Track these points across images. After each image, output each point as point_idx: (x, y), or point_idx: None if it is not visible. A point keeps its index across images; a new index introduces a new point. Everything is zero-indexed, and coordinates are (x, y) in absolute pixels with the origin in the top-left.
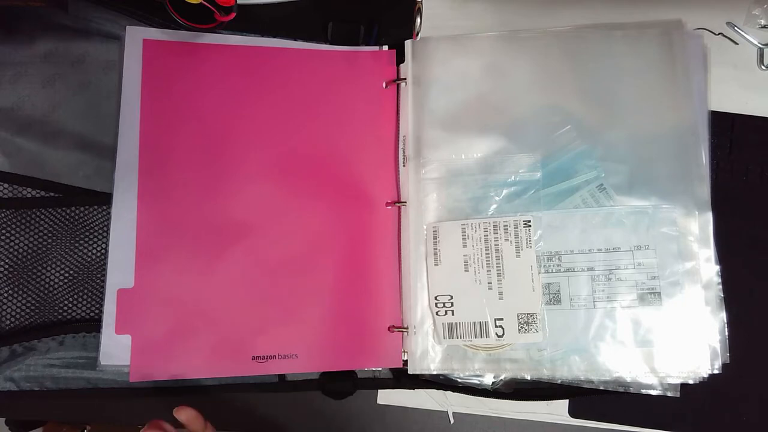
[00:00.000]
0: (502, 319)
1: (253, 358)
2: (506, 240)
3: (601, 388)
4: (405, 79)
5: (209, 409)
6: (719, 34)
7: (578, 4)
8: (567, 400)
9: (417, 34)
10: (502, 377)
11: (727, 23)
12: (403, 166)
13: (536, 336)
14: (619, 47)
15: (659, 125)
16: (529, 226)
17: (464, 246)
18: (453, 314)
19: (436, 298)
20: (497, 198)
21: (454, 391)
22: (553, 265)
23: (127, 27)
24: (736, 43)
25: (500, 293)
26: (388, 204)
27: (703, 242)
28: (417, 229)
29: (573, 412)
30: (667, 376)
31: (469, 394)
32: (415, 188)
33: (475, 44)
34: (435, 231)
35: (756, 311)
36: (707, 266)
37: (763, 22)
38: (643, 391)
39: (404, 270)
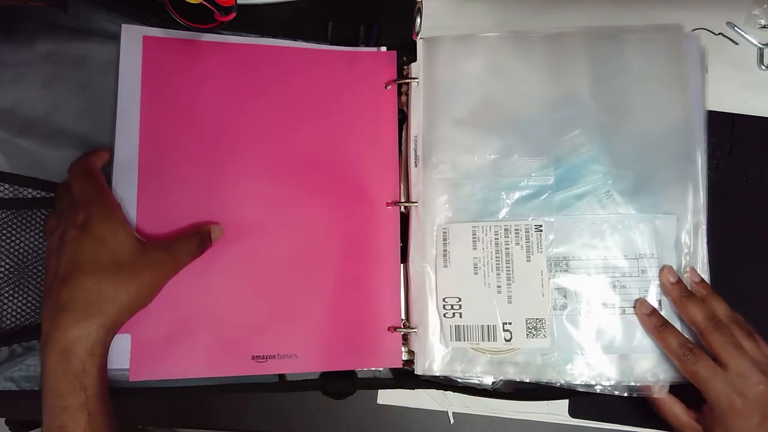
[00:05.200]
0: (510, 323)
1: (253, 357)
2: (517, 244)
3: (599, 392)
4: (416, 78)
5: (209, 409)
6: (719, 34)
7: (577, 4)
8: (567, 400)
9: (417, 34)
10: (509, 378)
11: (727, 23)
12: (415, 166)
13: (544, 341)
14: (627, 51)
15: (660, 130)
16: (541, 230)
17: (474, 248)
18: (461, 317)
19: (444, 300)
20: (508, 201)
21: (454, 391)
22: (560, 270)
23: (124, 25)
24: (736, 43)
25: (509, 297)
26: (388, 204)
27: (702, 249)
28: (426, 229)
29: (573, 412)
30: (667, 381)
31: (469, 394)
32: (425, 189)
33: (485, 45)
34: (445, 232)
35: (756, 311)
36: (703, 271)
37: (763, 22)
38: (641, 395)
39: (412, 271)
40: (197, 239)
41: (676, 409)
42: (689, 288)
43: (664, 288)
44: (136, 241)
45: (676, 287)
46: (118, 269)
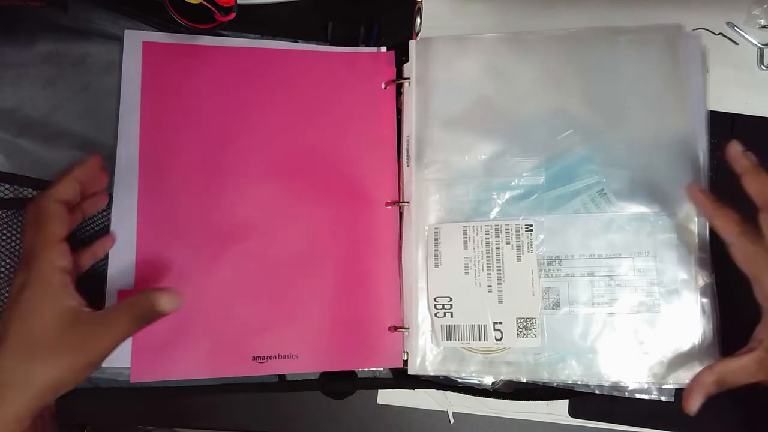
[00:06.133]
0: (501, 323)
1: (253, 358)
2: (507, 243)
3: (596, 392)
4: (408, 78)
5: (209, 409)
6: (719, 34)
7: (577, 4)
8: (567, 400)
9: (417, 34)
10: (501, 378)
11: (727, 23)
12: (407, 166)
13: (534, 341)
14: (622, 52)
15: (660, 131)
16: (531, 230)
17: (465, 248)
18: (452, 316)
19: (435, 300)
20: (499, 201)
21: (454, 391)
22: (553, 270)
23: (126, 30)
24: (736, 43)
25: (500, 297)
26: (388, 204)
27: (702, 248)
28: (418, 229)
29: (573, 412)
30: (663, 382)
31: (469, 394)
32: (417, 188)
33: (479, 45)
34: (436, 232)
35: (757, 311)
36: (704, 272)
37: (763, 22)
38: (638, 396)
39: (404, 270)
40: (136, 311)
41: (733, 364)
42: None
43: (731, 158)
44: (67, 314)
45: (746, 156)
46: (36, 349)
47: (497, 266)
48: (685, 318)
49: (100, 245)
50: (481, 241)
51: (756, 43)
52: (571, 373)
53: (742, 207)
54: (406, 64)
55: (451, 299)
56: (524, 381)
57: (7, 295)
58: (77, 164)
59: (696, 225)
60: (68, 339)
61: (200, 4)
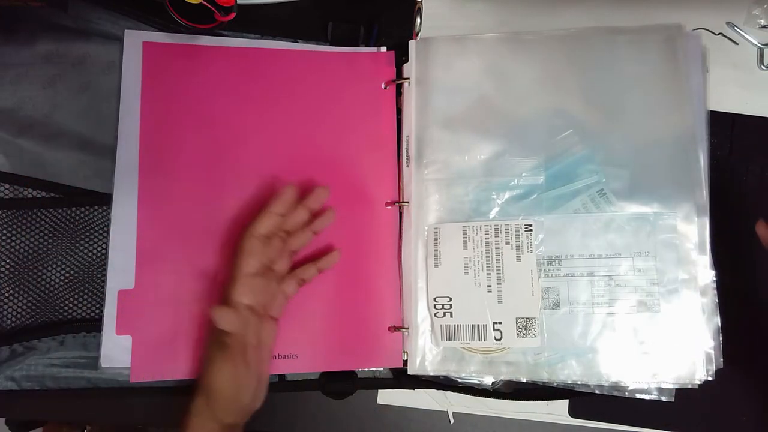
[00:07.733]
0: (500, 323)
1: None
2: (507, 243)
3: (596, 392)
4: (408, 79)
5: None
6: (719, 34)
7: (577, 4)
8: (567, 400)
9: (417, 34)
10: (501, 378)
11: (727, 23)
12: (407, 166)
13: (534, 341)
14: (622, 52)
15: (660, 130)
16: (531, 230)
17: (465, 248)
18: (451, 316)
19: (435, 300)
20: (499, 201)
21: (454, 391)
22: (553, 269)
23: (126, 30)
24: (736, 43)
25: (499, 297)
26: (388, 204)
27: (701, 248)
28: (418, 229)
29: (573, 412)
30: (663, 382)
31: (469, 394)
32: (417, 188)
33: (478, 45)
34: (436, 232)
35: (757, 311)
36: (704, 272)
37: (763, 22)
38: (638, 396)
39: (404, 270)
40: None
41: None
42: None
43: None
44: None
45: None
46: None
47: (497, 266)
48: (685, 318)
49: (326, 260)
50: (481, 241)
51: (756, 43)
52: (570, 373)
53: (742, 208)
54: (406, 64)
55: (450, 299)
56: (524, 381)
57: (6, 295)
58: (275, 197)
59: (696, 225)
60: None
61: (200, 4)
